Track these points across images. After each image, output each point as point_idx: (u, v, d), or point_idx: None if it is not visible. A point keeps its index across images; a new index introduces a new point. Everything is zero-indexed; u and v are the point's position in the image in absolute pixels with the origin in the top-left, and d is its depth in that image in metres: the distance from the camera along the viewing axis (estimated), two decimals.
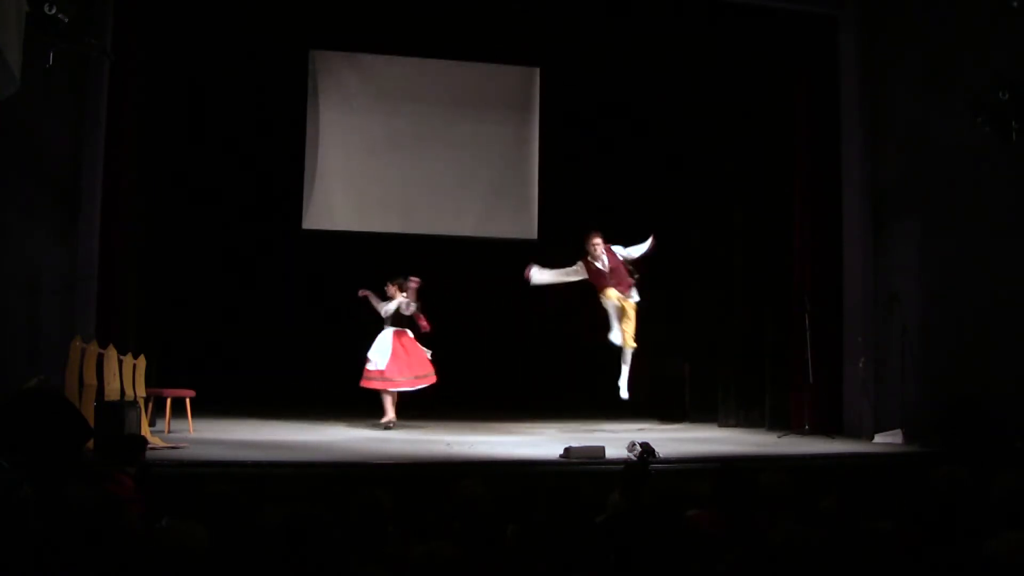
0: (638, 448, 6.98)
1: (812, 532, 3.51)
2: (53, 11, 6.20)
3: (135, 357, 8.02)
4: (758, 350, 10.26)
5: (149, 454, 6.03)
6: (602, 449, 7.14)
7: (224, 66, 10.87)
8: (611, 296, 9.49)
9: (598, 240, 9.52)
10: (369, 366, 9.40)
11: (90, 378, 7.02)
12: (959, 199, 8.68)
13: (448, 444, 8.05)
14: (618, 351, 9.71)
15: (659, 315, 11.98)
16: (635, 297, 9.60)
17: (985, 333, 8.32)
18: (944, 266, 8.86)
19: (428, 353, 9.61)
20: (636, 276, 9.60)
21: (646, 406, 11.59)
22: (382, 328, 9.59)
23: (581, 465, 6.90)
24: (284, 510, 3.59)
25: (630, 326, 9.53)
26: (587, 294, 12.14)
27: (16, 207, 8.04)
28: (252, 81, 11.01)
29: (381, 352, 9.41)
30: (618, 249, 9.62)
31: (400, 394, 9.51)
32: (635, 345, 9.60)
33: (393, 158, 11.29)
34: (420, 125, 11.33)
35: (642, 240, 9.61)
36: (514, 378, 11.58)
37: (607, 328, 9.61)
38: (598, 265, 9.53)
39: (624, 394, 9.70)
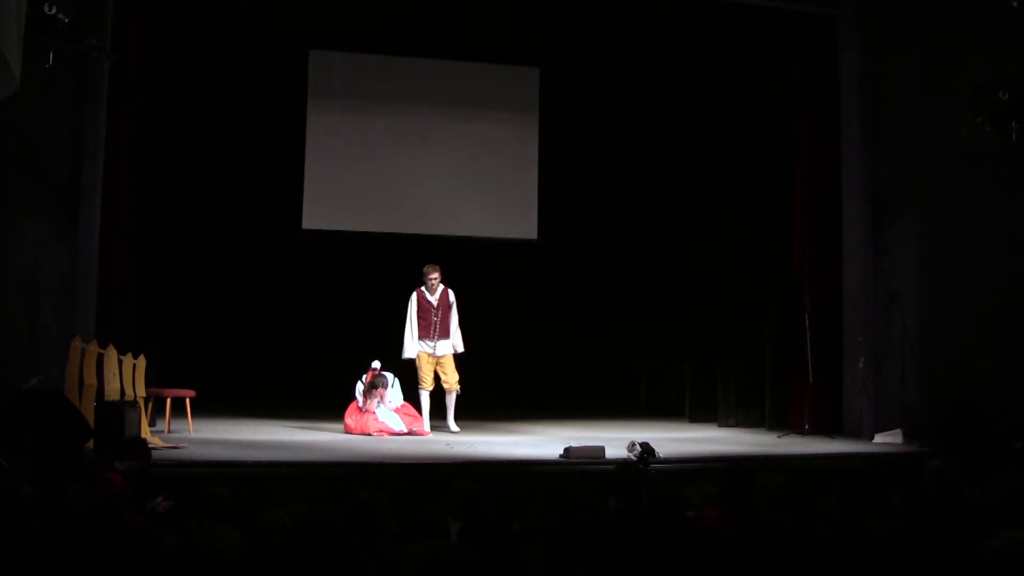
0: (638, 448, 6.98)
1: (812, 532, 3.51)
2: (53, 11, 6.20)
3: (135, 357, 8.02)
4: (758, 350, 10.24)
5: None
6: (602, 449, 7.15)
7: (224, 66, 10.88)
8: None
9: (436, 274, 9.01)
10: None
11: (90, 378, 7.02)
12: (959, 199, 8.67)
13: (448, 444, 8.06)
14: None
15: (659, 315, 11.99)
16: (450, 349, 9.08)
17: (985, 333, 8.31)
18: (944, 266, 8.85)
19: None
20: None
21: (646, 406, 11.59)
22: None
23: (581, 465, 6.90)
24: (284, 510, 3.60)
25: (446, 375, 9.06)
26: (586, 294, 12.19)
27: (16, 207, 8.05)
28: (252, 81, 11.02)
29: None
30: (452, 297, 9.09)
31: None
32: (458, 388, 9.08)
33: (393, 158, 11.28)
34: (420, 125, 11.32)
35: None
36: (514, 378, 11.56)
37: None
38: (430, 299, 9.03)
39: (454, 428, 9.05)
